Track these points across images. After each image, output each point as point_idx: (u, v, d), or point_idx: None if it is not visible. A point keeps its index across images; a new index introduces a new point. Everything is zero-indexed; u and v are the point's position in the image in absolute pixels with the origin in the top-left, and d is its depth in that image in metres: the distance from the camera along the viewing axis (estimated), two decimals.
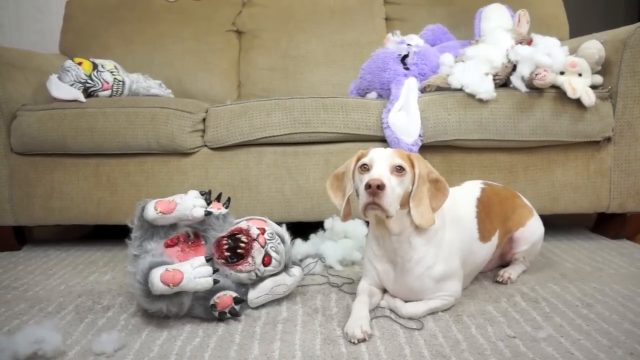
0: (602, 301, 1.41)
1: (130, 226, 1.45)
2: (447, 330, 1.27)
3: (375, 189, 1.20)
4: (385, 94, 1.98)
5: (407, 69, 1.98)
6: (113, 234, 1.99)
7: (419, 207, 1.29)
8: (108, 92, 2.19)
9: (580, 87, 1.80)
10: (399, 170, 1.26)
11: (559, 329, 1.25)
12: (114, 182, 1.99)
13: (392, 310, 1.39)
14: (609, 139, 1.90)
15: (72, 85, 2.09)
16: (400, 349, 1.19)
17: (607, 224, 2.04)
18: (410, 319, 1.34)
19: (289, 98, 1.94)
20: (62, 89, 2.07)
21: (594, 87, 1.87)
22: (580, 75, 1.85)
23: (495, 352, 1.15)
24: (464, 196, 1.52)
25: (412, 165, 1.30)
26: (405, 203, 1.30)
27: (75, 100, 2.03)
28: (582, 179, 1.92)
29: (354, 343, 1.21)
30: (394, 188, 1.24)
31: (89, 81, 2.14)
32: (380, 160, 1.27)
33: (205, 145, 1.96)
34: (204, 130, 1.96)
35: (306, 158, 1.92)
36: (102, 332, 1.28)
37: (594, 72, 1.88)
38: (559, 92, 1.85)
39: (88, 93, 2.14)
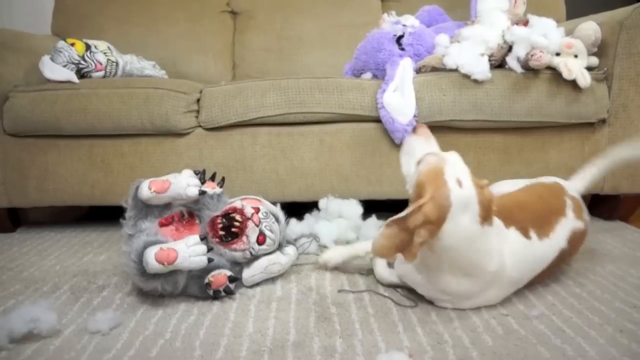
0: (594, 280, 1.43)
1: (125, 206, 1.44)
2: (440, 308, 1.28)
3: None
4: (380, 75, 1.97)
5: (402, 49, 1.97)
6: (108, 215, 1.98)
7: None
8: (101, 73, 2.17)
9: (576, 68, 1.80)
10: None
11: (551, 307, 1.27)
12: (108, 163, 1.98)
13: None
14: (603, 121, 1.90)
15: (64, 66, 2.07)
16: (394, 326, 1.19)
17: (600, 206, 2.05)
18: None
19: (283, 78, 1.93)
20: (55, 70, 2.04)
21: (589, 68, 1.86)
22: (576, 56, 1.84)
23: (487, 329, 1.17)
24: None
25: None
26: None
27: (69, 82, 2.01)
28: (576, 160, 1.92)
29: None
30: None
31: (82, 62, 2.12)
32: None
33: (200, 126, 1.95)
34: (198, 111, 1.95)
35: (301, 138, 1.91)
36: (97, 311, 1.28)
37: (590, 54, 1.87)
38: (554, 73, 1.84)
39: (81, 74, 2.12)
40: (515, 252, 1.24)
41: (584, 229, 1.42)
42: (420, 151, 1.22)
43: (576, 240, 1.39)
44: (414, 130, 1.29)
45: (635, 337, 1.12)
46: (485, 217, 1.16)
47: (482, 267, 1.19)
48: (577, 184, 1.59)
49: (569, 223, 1.37)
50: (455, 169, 1.15)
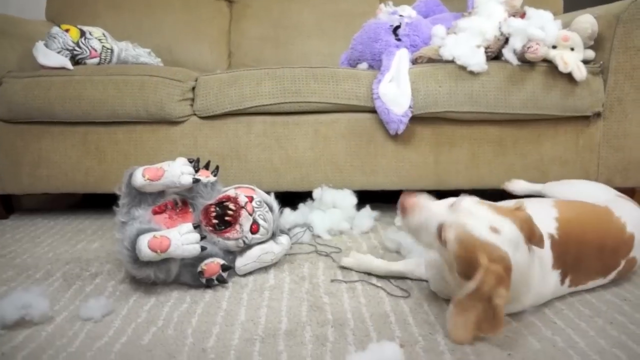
0: None
1: (118, 193, 1.44)
2: (432, 299, 1.28)
3: None
4: (376, 65, 1.97)
5: (398, 40, 1.96)
6: (101, 203, 1.98)
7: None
8: (96, 60, 2.16)
9: (572, 61, 1.80)
10: None
11: None
12: (102, 150, 1.97)
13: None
14: (598, 114, 1.90)
15: (59, 52, 2.06)
16: (386, 317, 1.20)
17: None
18: None
19: (279, 67, 1.92)
20: (49, 56, 2.03)
21: (585, 61, 1.86)
22: (572, 49, 1.84)
23: None
24: None
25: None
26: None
27: (63, 68, 2.00)
28: (570, 153, 1.92)
29: None
30: None
31: (77, 48, 2.10)
32: None
33: (195, 114, 1.94)
34: (193, 99, 1.95)
35: (296, 128, 1.91)
36: (89, 298, 1.28)
37: (587, 47, 1.87)
38: (550, 65, 1.84)
39: (75, 61, 2.11)
40: (544, 293, 1.20)
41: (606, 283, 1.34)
42: (427, 226, 1.10)
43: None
44: (402, 209, 1.10)
45: (624, 329, 1.13)
46: (530, 238, 1.08)
47: (520, 299, 1.15)
48: None
49: (601, 282, 1.31)
50: (481, 220, 1.04)
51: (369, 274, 1.44)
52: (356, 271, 1.47)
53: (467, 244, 1.03)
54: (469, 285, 1.02)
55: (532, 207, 1.31)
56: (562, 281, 1.23)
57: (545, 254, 1.17)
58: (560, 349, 1.06)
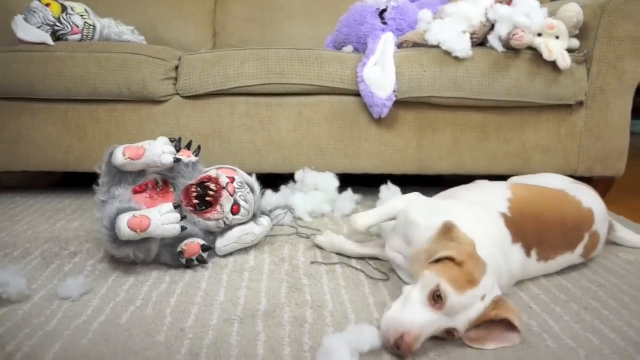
0: None
1: (99, 172, 1.43)
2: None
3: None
4: (362, 48, 1.96)
5: (384, 23, 1.96)
6: (82, 182, 1.96)
7: None
8: (78, 37, 2.12)
9: (556, 49, 1.81)
10: None
11: (519, 284, 1.28)
12: (83, 129, 1.95)
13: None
14: (581, 103, 1.92)
15: (39, 27, 2.02)
16: (365, 299, 1.21)
17: None
18: None
19: (263, 48, 1.91)
20: (29, 31, 1.99)
21: (570, 50, 1.87)
22: (557, 38, 1.85)
23: None
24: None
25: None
26: None
27: (43, 44, 1.96)
28: (553, 141, 1.94)
29: None
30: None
31: (58, 24, 2.06)
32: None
33: (178, 94, 1.93)
34: (176, 79, 1.93)
35: (279, 109, 1.90)
36: (68, 277, 1.27)
37: (572, 36, 1.88)
38: (535, 53, 1.85)
39: (57, 37, 2.07)
40: (513, 269, 1.21)
41: (580, 263, 1.39)
42: (432, 334, 1.02)
43: (564, 269, 1.37)
44: (405, 354, 0.98)
45: (598, 315, 1.15)
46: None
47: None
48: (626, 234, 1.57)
49: (571, 259, 1.34)
50: (472, 305, 1.01)
51: (348, 256, 1.45)
52: (328, 251, 1.48)
53: (479, 321, 1.04)
54: (515, 339, 1.03)
55: (487, 189, 1.38)
56: (528, 254, 1.24)
57: (501, 231, 1.20)
58: (535, 333, 1.07)
